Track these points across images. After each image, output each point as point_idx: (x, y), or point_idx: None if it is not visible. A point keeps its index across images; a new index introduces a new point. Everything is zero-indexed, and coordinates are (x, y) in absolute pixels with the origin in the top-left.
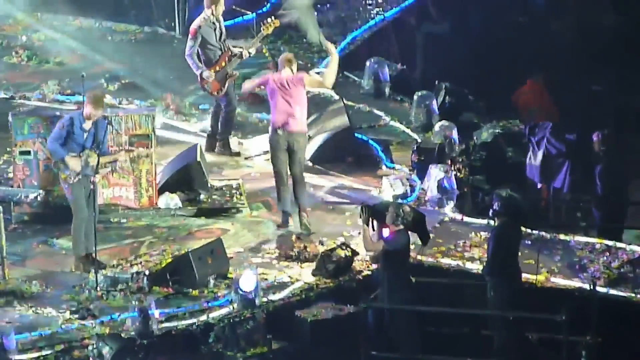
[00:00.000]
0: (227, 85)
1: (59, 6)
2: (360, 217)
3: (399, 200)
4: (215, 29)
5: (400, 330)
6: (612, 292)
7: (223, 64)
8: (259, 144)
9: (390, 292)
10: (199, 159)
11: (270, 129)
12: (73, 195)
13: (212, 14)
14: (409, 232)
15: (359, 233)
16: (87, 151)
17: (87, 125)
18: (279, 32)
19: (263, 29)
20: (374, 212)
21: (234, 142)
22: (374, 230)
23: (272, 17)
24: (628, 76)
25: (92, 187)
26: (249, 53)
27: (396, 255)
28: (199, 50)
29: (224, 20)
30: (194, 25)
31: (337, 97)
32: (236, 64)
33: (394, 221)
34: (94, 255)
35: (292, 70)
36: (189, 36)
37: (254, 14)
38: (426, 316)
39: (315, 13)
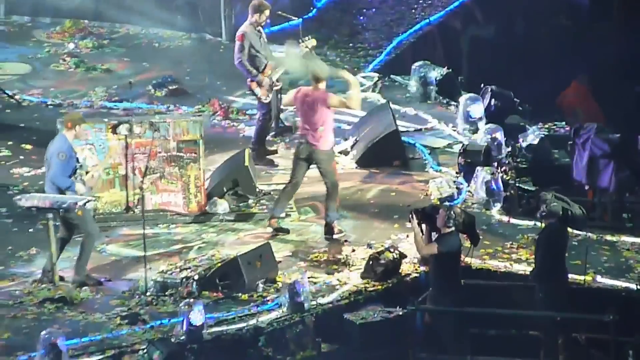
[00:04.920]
0: (272, 93)
1: (106, 14)
2: (410, 221)
3: (446, 203)
4: (260, 37)
5: (448, 332)
6: None
7: (269, 71)
8: None
9: (441, 294)
10: (247, 164)
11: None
12: (86, 217)
13: (257, 20)
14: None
15: (407, 236)
16: (78, 172)
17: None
18: (325, 37)
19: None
20: (424, 215)
21: (281, 147)
22: (423, 233)
23: (308, 38)
24: None
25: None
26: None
27: (447, 257)
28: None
29: (272, 25)
30: (240, 31)
31: (383, 100)
32: (281, 72)
33: (445, 223)
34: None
35: (319, 88)
36: (237, 42)
37: (301, 19)
38: (474, 318)
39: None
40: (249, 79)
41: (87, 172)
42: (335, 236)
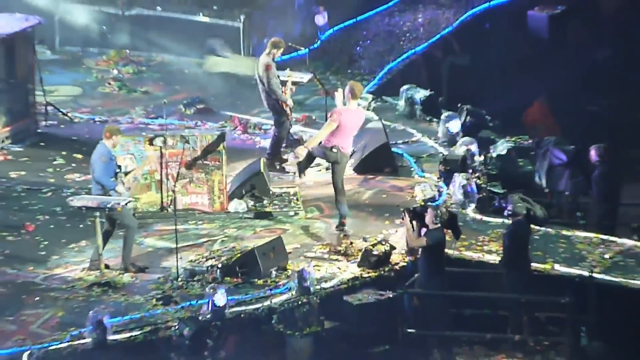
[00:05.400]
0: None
1: (145, 44)
2: (403, 219)
3: (430, 203)
4: (275, 66)
5: (433, 311)
6: (607, 278)
7: (286, 93)
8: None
9: (428, 279)
10: (262, 170)
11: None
12: (126, 213)
13: (274, 54)
14: (444, 230)
15: (396, 231)
16: (119, 174)
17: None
18: (327, 65)
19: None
20: (415, 214)
21: (291, 156)
22: (414, 229)
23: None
24: (618, 98)
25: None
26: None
27: (434, 248)
28: (261, 84)
29: (283, 54)
30: (267, 63)
31: (376, 117)
32: (289, 94)
33: (433, 220)
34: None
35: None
36: (268, 71)
37: (307, 49)
38: (453, 299)
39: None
40: (276, 102)
41: (126, 174)
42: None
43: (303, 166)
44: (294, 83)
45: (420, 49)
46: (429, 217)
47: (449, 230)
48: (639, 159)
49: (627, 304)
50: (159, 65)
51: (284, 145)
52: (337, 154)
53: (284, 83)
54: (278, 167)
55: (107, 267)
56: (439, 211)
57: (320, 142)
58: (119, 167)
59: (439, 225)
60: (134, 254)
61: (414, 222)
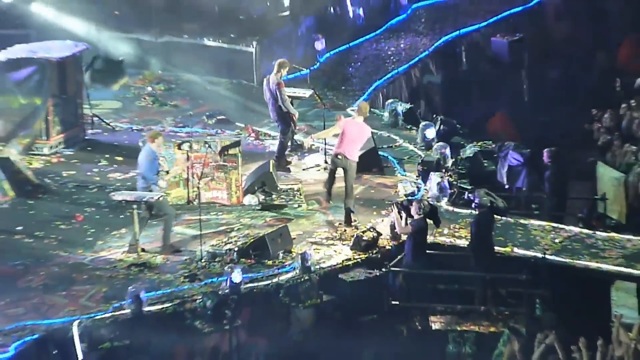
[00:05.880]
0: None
1: (174, 66)
2: (392, 210)
3: (410, 198)
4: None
5: (414, 286)
6: (557, 259)
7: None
8: (312, 160)
9: (413, 260)
10: (271, 170)
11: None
12: (165, 203)
13: (281, 73)
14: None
15: (382, 220)
16: (161, 172)
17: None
18: (325, 83)
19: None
20: (402, 206)
21: (293, 160)
22: (401, 218)
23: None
24: (565, 110)
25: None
26: (302, 98)
27: (418, 235)
28: (273, 99)
29: (288, 74)
30: (278, 82)
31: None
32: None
33: (417, 211)
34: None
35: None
36: (281, 89)
37: (308, 70)
38: (431, 276)
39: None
40: (289, 113)
41: (167, 173)
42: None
43: (329, 190)
44: (297, 98)
45: (402, 70)
46: (414, 209)
47: (430, 220)
48: (582, 161)
49: (573, 281)
50: (185, 84)
51: (289, 149)
52: (342, 161)
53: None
54: (283, 167)
55: (143, 250)
56: (422, 204)
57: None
58: (160, 165)
59: (422, 215)
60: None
61: (402, 213)
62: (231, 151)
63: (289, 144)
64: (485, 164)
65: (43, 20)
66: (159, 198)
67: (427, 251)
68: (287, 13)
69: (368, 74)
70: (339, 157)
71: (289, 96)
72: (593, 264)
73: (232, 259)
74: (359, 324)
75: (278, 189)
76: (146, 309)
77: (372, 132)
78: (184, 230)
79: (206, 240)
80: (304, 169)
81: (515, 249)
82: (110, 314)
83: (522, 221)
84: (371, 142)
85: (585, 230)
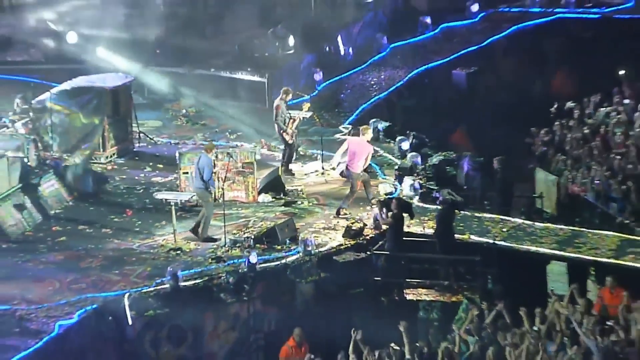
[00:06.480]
0: (293, 136)
1: (203, 92)
2: (375, 206)
3: (389, 196)
4: (286, 106)
5: (393, 266)
6: (505, 244)
7: (291, 125)
8: (312, 167)
9: (392, 245)
10: (279, 174)
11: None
12: (207, 199)
13: (285, 99)
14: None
15: (367, 214)
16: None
17: None
18: (322, 106)
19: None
20: (384, 203)
21: (297, 166)
22: (382, 212)
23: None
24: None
25: None
26: (304, 118)
27: (397, 225)
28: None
29: (293, 99)
30: (277, 104)
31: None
32: (297, 124)
33: (395, 207)
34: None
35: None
36: (277, 110)
37: (309, 96)
38: (406, 258)
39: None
40: (281, 131)
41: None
42: (341, 215)
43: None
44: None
45: (383, 96)
46: (392, 205)
47: (406, 213)
48: (524, 167)
49: (517, 261)
50: (212, 107)
51: (294, 158)
52: (346, 171)
53: (294, 118)
54: (288, 172)
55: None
56: (399, 201)
57: None
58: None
59: (399, 210)
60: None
61: (383, 208)
62: (248, 160)
63: (294, 154)
64: (448, 170)
65: (97, 57)
66: (190, 198)
67: (403, 238)
68: (292, 51)
69: (356, 99)
70: (346, 168)
71: (292, 116)
72: (533, 248)
73: (250, 245)
74: (349, 296)
75: (285, 189)
76: (182, 284)
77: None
78: (212, 222)
79: (229, 229)
80: (305, 174)
81: (472, 236)
82: (153, 288)
83: (477, 214)
84: None
85: (527, 221)
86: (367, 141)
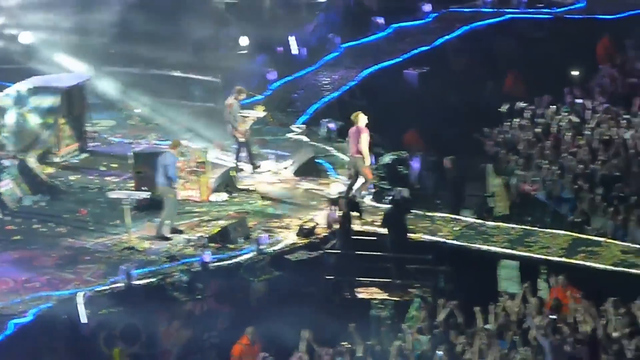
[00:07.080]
0: (246, 135)
1: (157, 92)
2: (327, 205)
3: (340, 195)
4: (239, 106)
5: (345, 264)
6: (456, 243)
7: (243, 124)
8: (267, 166)
9: (342, 244)
10: (232, 174)
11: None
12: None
13: (237, 98)
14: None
15: (318, 214)
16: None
17: None
18: (274, 105)
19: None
20: (334, 202)
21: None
22: (334, 211)
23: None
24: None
25: None
26: (257, 117)
27: (346, 224)
28: (233, 116)
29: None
30: (229, 102)
31: (307, 139)
32: (250, 124)
33: (345, 206)
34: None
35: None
36: (228, 108)
37: (262, 96)
38: (358, 256)
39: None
40: (232, 129)
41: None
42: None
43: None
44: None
45: (335, 95)
46: (340, 204)
47: (354, 212)
48: (475, 166)
49: (469, 260)
50: (166, 106)
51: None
52: (350, 157)
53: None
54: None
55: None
56: (347, 200)
57: None
58: None
59: (348, 209)
60: (148, 230)
61: (333, 207)
62: (201, 160)
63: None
64: (400, 169)
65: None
66: (145, 197)
67: (352, 237)
68: (245, 51)
69: (308, 99)
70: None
71: (243, 116)
72: (484, 247)
73: (203, 244)
74: (302, 294)
75: (238, 188)
76: (135, 282)
77: (312, 145)
78: (166, 221)
79: (183, 228)
80: (260, 173)
81: (424, 235)
82: (107, 287)
83: (428, 213)
84: (311, 152)
85: (478, 220)
86: (359, 126)
